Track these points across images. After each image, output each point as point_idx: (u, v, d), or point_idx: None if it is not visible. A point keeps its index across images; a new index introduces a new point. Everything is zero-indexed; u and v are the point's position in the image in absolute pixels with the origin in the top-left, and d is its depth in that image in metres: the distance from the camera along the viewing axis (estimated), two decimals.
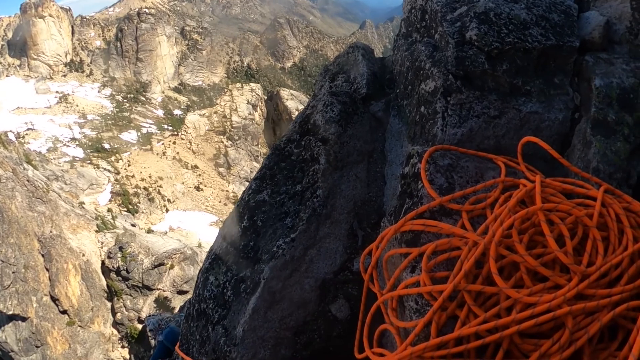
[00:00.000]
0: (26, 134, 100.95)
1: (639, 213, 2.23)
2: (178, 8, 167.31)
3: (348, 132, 3.50)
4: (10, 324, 36.66)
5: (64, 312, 39.48)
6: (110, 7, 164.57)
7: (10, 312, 36.23)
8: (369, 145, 3.62)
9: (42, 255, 39.97)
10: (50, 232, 41.54)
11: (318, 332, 3.13)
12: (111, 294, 42.44)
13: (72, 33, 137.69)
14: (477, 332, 1.83)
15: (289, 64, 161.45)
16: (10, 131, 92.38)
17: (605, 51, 3.11)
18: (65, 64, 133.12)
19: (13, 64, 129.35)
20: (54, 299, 39.30)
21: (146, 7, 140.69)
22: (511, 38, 2.94)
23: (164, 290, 41.45)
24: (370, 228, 3.30)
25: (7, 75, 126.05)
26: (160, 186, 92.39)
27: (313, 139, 3.50)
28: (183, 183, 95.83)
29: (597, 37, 3.10)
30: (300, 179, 3.45)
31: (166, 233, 67.96)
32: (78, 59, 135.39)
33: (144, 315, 38.67)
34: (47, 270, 39.65)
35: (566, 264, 1.94)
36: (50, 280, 39.48)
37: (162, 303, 39.47)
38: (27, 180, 43.62)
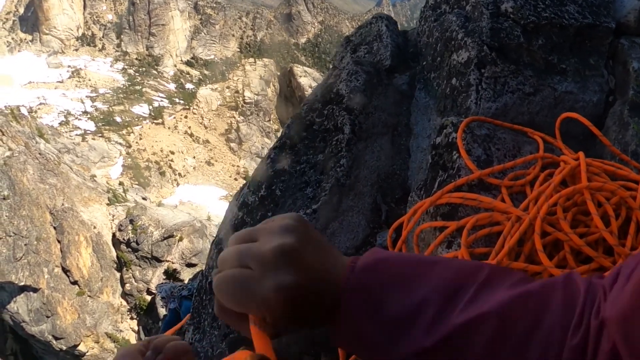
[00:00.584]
0: (38, 109, 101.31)
1: None
2: None
3: (373, 103, 3.41)
4: (22, 295, 37.25)
5: (75, 282, 40.02)
6: None
7: (22, 284, 36.80)
8: (393, 118, 3.52)
9: (54, 228, 40.39)
10: (62, 204, 41.91)
11: None
12: (120, 265, 42.91)
13: (84, 7, 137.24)
14: None
15: (303, 40, 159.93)
16: (23, 106, 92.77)
17: None
18: (77, 38, 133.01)
19: (25, 39, 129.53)
20: (65, 270, 39.82)
21: None
22: (548, 13, 2.89)
23: (172, 262, 41.80)
24: (394, 203, 3.20)
25: (19, 51, 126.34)
26: (172, 160, 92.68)
27: (337, 108, 3.40)
28: (194, 157, 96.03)
29: (632, 20, 3.08)
30: (323, 148, 3.35)
31: (176, 206, 68.40)
32: (90, 33, 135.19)
33: (152, 286, 39.08)
34: (59, 242, 40.09)
35: (612, 244, 1.85)
36: (61, 252, 39.96)
37: (171, 275, 39.83)
38: (39, 154, 43.91)
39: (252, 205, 3.57)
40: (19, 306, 37.37)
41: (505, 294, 0.70)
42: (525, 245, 1.83)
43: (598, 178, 2.11)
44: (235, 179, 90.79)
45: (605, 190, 2.03)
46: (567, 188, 1.95)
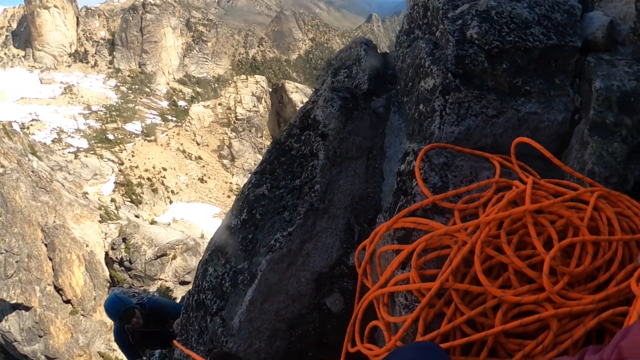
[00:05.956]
0: (31, 125, 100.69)
1: (632, 217, 2.19)
2: None
3: (347, 128, 3.50)
4: (14, 314, 36.80)
5: (68, 301, 39.62)
6: None
7: (14, 302, 36.38)
8: (368, 141, 3.62)
9: (46, 245, 40.04)
10: (54, 222, 41.59)
11: (313, 325, 3.17)
12: (114, 283, 42.57)
13: (77, 24, 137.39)
14: (462, 330, 1.84)
15: (294, 57, 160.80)
16: (15, 121, 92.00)
17: (608, 52, 3.04)
18: (70, 55, 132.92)
19: (18, 54, 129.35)
20: (58, 289, 39.40)
21: None
22: (512, 37, 2.90)
23: (166, 281, 41.55)
24: (367, 224, 3.31)
25: (11, 66, 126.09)
26: (164, 177, 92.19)
27: (313, 134, 3.51)
28: (187, 174, 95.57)
29: (600, 37, 3.05)
30: (299, 173, 3.46)
31: (169, 224, 68.00)
32: (83, 50, 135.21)
33: None
34: (51, 259, 39.72)
35: (552, 266, 1.91)
36: (53, 270, 39.57)
37: (164, 293, 39.57)
38: (32, 171, 43.70)
39: (234, 228, 3.69)
40: (11, 325, 36.85)
41: None
42: (472, 267, 1.93)
43: (545, 201, 2.19)
44: (229, 196, 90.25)
45: (551, 212, 2.13)
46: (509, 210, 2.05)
